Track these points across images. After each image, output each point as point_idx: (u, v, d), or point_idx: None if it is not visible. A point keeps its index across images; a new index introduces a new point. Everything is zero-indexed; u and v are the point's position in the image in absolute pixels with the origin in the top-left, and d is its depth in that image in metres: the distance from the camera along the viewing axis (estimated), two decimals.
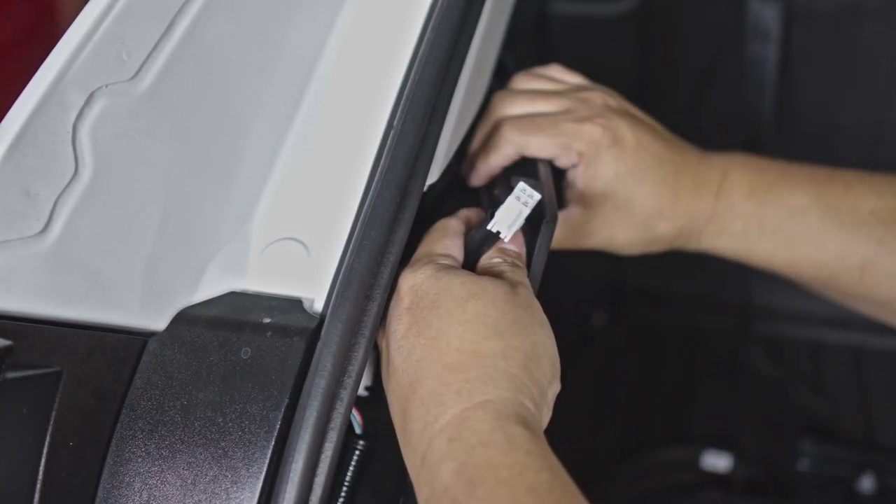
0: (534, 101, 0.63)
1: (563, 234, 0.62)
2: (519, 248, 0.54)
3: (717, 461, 1.20)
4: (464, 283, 0.49)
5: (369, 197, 0.52)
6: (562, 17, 1.19)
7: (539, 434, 0.44)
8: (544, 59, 0.71)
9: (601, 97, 0.64)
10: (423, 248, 0.54)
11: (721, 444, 1.21)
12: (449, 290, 0.48)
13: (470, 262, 0.54)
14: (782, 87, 1.20)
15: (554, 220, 0.54)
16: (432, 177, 0.57)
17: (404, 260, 0.53)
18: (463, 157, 0.67)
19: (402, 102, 0.55)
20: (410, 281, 0.50)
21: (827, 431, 1.21)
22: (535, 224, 0.54)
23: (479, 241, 0.54)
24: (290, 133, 0.57)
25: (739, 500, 1.17)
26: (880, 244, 0.58)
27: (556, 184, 0.60)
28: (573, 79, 0.67)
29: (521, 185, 0.52)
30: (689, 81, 1.28)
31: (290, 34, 0.57)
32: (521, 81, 0.66)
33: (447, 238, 0.54)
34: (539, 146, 0.60)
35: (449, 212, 0.60)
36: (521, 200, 0.52)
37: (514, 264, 0.53)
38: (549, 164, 0.61)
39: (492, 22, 0.67)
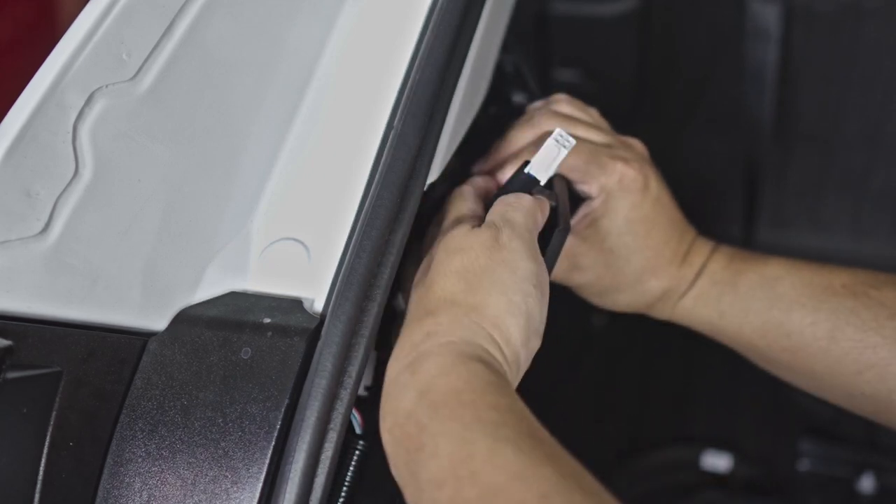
0: (577, 126, 0.64)
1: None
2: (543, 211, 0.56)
3: (717, 461, 1.20)
4: (455, 236, 0.52)
5: (369, 197, 0.52)
6: (562, 17, 1.19)
7: (503, 377, 0.46)
8: (544, 59, 0.71)
9: (641, 146, 0.66)
10: (448, 218, 0.56)
11: (721, 444, 1.21)
12: (444, 242, 0.52)
13: None
14: (782, 87, 1.20)
15: (567, 229, 0.55)
16: (432, 177, 0.57)
17: (405, 260, 0.53)
18: (463, 157, 0.67)
19: (402, 102, 0.55)
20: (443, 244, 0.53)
21: (827, 431, 1.21)
22: (546, 233, 0.55)
23: (513, 192, 0.55)
24: (290, 133, 0.57)
25: (739, 500, 1.17)
26: (851, 314, 0.57)
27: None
28: (608, 126, 0.69)
29: (559, 131, 0.53)
30: (688, 81, 1.28)
31: (291, 34, 0.57)
32: (566, 106, 0.67)
33: (468, 201, 0.57)
34: (571, 167, 0.61)
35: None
36: (560, 143, 0.53)
37: (511, 204, 0.54)
38: (567, 182, 0.62)
39: (492, 22, 0.67)
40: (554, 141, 0.53)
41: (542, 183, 0.54)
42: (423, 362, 0.46)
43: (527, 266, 0.50)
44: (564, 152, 0.53)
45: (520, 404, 0.44)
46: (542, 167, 0.54)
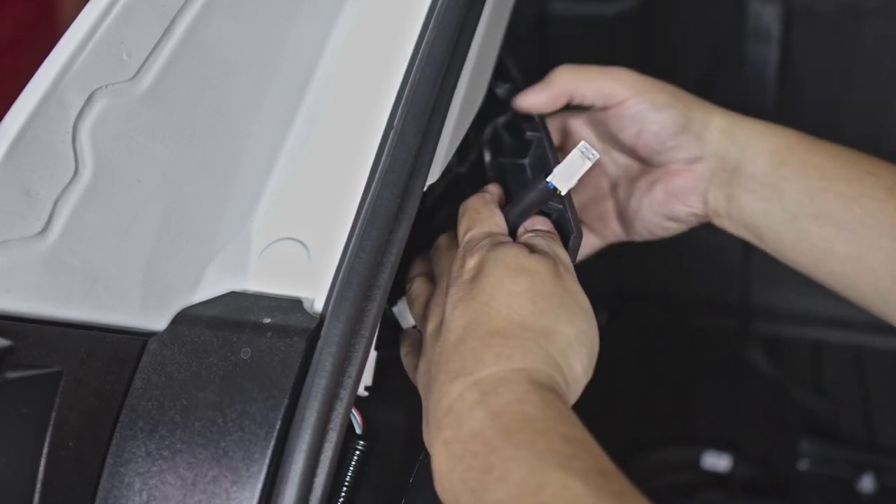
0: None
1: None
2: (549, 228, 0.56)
3: (717, 461, 1.20)
4: (516, 256, 0.51)
5: (369, 197, 0.52)
6: (562, 17, 1.19)
7: (569, 406, 0.46)
8: (544, 59, 0.71)
9: None
10: (477, 229, 0.55)
11: (721, 444, 1.21)
12: (503, 260, 0.50)
13: (519, 223, 0.56)
14: (782, 87, 1.21)
15: (580, 236, 0.55)
16: (432, 177, 0.57)
17: (405, 260, 0.53)
18: (463, 158, 0.67)
19: (402, 102, 0.55)
20: (477, 258, 0.52)
21: (827, 431, 1.21)
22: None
23: (533, 202, 0.56)
24: (290, 133, 0.57)
25: (739, 500, 1.17)
26: None
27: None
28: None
29: (584, 143, 0.54)
30: (689, 82, 1.28)
31: (291, 34, 0.57)
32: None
33: (495, 215, 0.56)
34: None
35: (449, 212, 0.60)
36: (585, 154, 0.53)
37: (552, 239, 0.54)
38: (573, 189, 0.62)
39: (492, 22, 0.67)
40: (579, 152, 0.53)
41: (563, 193, 0.54)
42: (496, 386, 0.45)
43: (585, 299, 0.51)
44: (588, 164, 0.53)
45: (589, 437, 0.44)
46: (564, 178, 0.54)
